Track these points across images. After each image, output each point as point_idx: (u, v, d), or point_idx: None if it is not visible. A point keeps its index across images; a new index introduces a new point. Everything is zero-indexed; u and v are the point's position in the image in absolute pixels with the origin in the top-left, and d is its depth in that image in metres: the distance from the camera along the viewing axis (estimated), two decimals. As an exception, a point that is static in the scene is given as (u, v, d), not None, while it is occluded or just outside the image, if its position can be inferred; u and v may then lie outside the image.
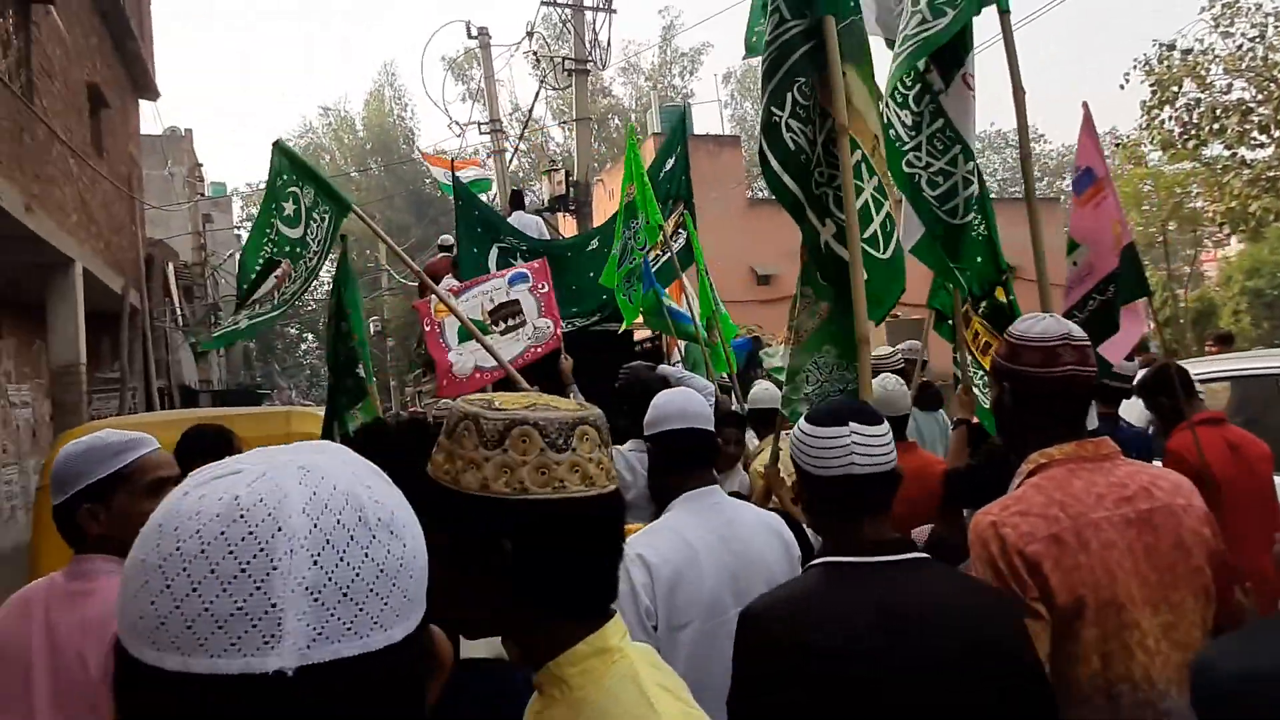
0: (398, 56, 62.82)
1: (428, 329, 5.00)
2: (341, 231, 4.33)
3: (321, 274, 4.54)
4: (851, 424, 1.55)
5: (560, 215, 15.47)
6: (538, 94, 17.58)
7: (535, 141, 30.60)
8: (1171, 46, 15.67)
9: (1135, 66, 15.99)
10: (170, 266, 16.93)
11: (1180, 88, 15.33)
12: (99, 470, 2.07)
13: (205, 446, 3.39)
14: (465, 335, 4.75)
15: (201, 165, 22.52)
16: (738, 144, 20.36)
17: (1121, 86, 20.24)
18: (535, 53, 15.06)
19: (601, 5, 13.87)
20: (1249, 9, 15.07)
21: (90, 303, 10.12)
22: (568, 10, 14.32)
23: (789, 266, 15.40)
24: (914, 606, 1.42)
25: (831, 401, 1.80)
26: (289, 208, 4.31)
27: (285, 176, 4.27)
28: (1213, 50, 15.43)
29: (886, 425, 1.60)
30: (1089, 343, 1.77)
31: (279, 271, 4.56)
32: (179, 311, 17.28)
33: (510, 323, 4.78)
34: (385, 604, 0.57)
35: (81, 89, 10.20)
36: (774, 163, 2.62)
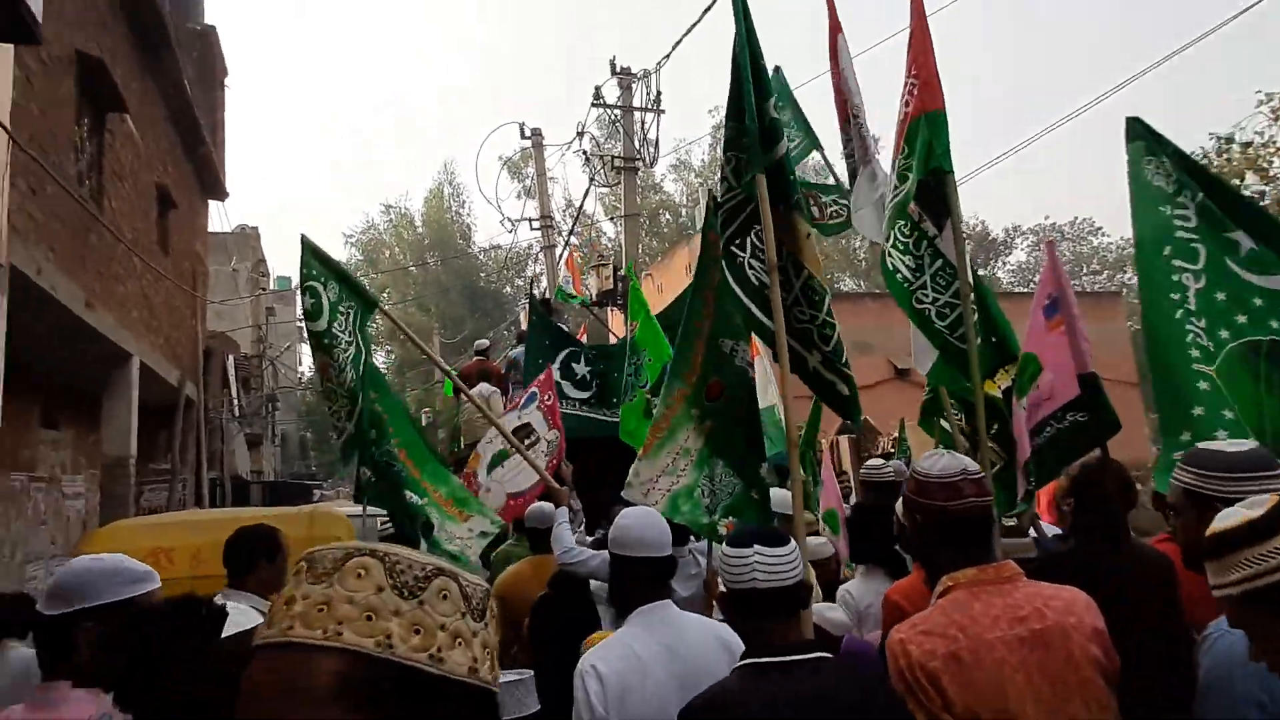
0: (457, 155, 65.48)
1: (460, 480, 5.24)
2: (387, 328, 4.56)
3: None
4: (755, 545, 1.85)
5: (609, 309, 15.57)
6: (587, 191, 17.97)
7: (587, 236, 31.24)
8: (1230, 140, 15.37)
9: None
10: (230, 359, 17.37)
11: (1242, 180, 14.94)
12: (119, 592, 1.92)
13: (247, 543, 3.32)
14: (493, 464, 5.01)
15: (264, 261, 23.38)
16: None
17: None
18: (585, 152, 15.42)
19: (650, 106, 14.24)
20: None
21: (149, 395, 10.32)
22: (618, 111, 14.75)
23: (855, 357, 15.15)
24: (812, 698, 1.70)
25: (749, 526, 2.11)
26: (309, 301, 4.38)
27: (308, 271, 4.33)
28: (1274, 142, 15.07)
29: (792, 545, 1.88)
30: (983, 474, 1.98)
31: (319, 364, 4.63)
32: (236, 403, 17.62)
33: (527, 442, 5.00)
34: None
35: (151, 190, 10.67)
36: (741, 295, 3.13)
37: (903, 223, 3.34)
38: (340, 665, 0.78)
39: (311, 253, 4.31)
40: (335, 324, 4.33)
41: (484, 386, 8.70)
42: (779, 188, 3.09)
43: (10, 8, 3.99)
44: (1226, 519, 1.42)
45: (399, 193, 78.60)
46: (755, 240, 3.10)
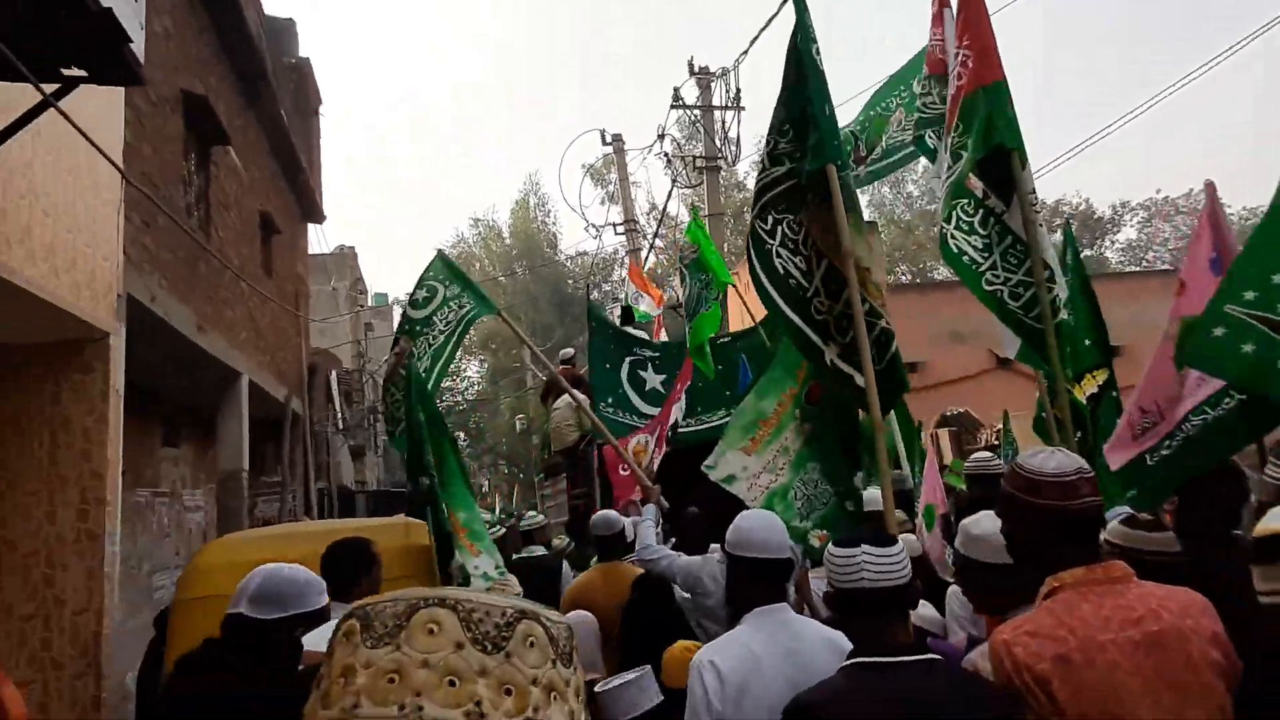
0: (542, 166, 66.71)
1: (624, 471, 5.26)
2: (480, 337, 4.78)
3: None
4: (863, 546, 1.90)
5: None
6: (670, 193, 18.00)
7: (672, 238, 31.26)
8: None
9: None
10: (333, 374, 18.11)
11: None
12: (318, 601, 2.10)
13: (349, 556, 3.41)
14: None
15: (361, 279, 24.31)
16: (874, 229, 19.90)
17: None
18: (666, 154, 15.41)
19: (730, 104, 14.12)
20: None
21: (258, 411, 10.85)
22: (698, 111, 14.68)
23: (934, 351, 14.63)
24: (920, 700, 1.71)
25: (859, 529, 2.14)
26: (420, 294, 4.76)
27: (433, 274, 4.75)
28: None
29: (900, 546, 1.92)
30: (1093, 473, 1.89)
31: (398, 348, 4.78)
32: (340, 416, 18.35)
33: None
34: None
35: (255, 217, 11.22)
36: (766, 282, 3.09)
37: (965, 201, 3.20)
38: None
39: (443, 261, 4.83)
40: (438, 314, 4.63)
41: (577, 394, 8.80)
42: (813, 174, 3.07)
43: (115, 53, 4.24)
44: (1278, 519, 1.29)
45: (486, 206, 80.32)
46: (786, 229, 3.10)
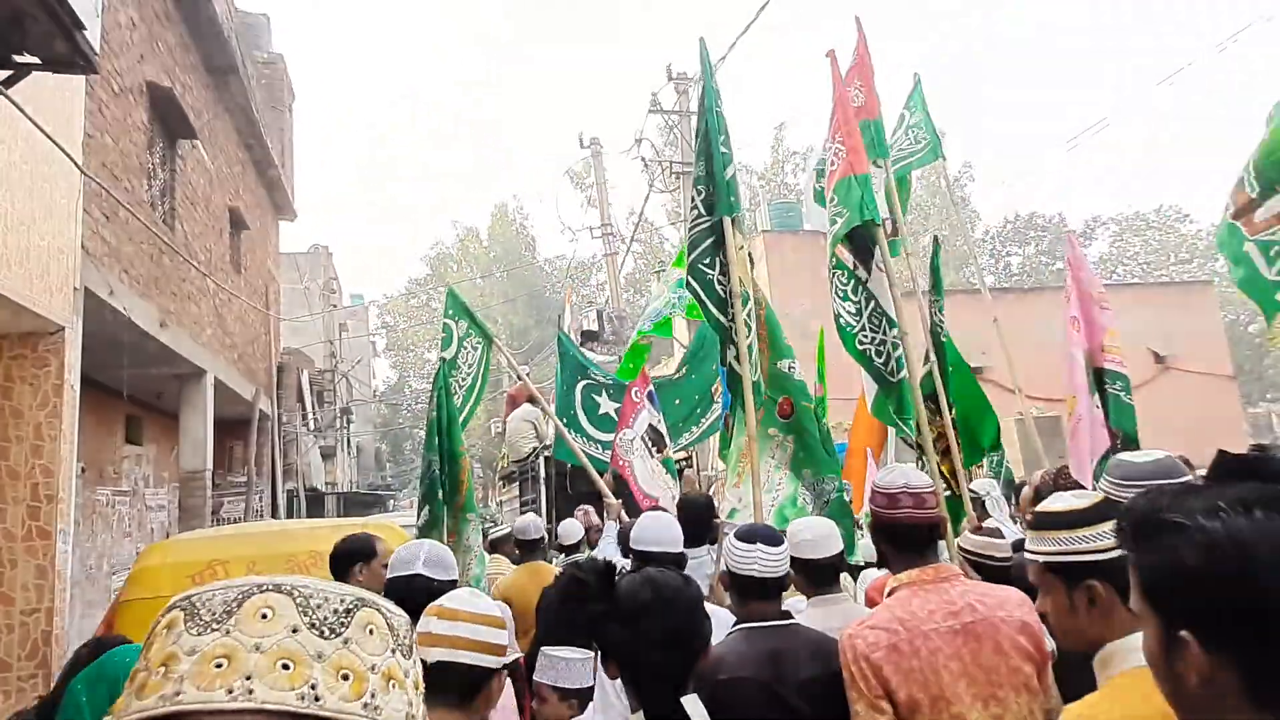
0: (522, 169, 66.32)
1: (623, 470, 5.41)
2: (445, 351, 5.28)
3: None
4: (759, 544, 2.35)
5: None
6: (646, 197, 17.94)
7: (651, 243, 31.27)
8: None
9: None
10: (305, 374, 17.90)
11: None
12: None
13: (355, 549, 3.55)
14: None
15: (335, 278, 24.09)
16: (851, 237, 19.97)
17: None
18: (643, 159, 15.40)
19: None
20: None
21: (225, 409, 10.69)
22: (675, 116, 14.68)
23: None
24: (784, 650, 2.22)
25: (754, 525, 2.53)
26: (442, 335, 5.39)
27: (449, 312, 5.35)
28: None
29: (784, 546, 2.40)
30: (929, 489, 2.23)
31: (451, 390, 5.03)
32: (311, 416, 18.15)
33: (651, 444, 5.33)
34: None
35: (224, 212, 11.07)
36: (709, 303, 3.76)
37: (841, 273, 3.80)
38: None
39: (452, 296, 5.45)
40: (460, 355, 5.23)
41: (529, 408, 8.82)
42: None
43: (68, 41, 4.16)
44: (1054, 502, 1.66)
45: (466, 209, 79.77)
46: (723, 258, 3.76)
